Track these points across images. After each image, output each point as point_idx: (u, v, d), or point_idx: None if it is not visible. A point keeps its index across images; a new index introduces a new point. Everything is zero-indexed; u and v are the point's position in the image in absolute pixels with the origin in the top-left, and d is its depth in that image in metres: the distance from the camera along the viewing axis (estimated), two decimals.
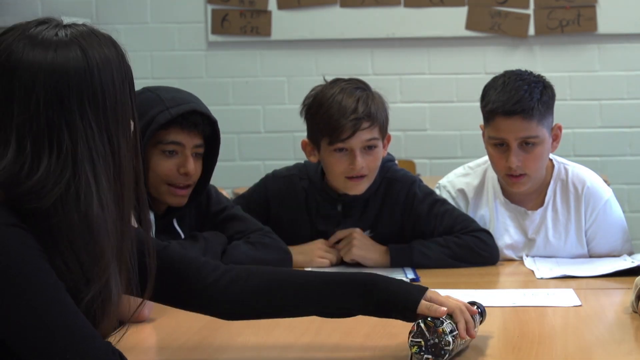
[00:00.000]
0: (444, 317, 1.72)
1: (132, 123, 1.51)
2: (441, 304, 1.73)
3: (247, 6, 5.11)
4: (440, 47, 5.09)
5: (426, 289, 1.77)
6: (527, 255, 2.74)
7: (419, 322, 1.72)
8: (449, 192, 2.83)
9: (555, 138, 2.71)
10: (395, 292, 1.75)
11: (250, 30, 5.13)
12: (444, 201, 2.79)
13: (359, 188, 2.68)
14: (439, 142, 5.10)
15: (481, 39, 5.04)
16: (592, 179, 2.80)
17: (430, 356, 1.71)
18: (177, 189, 2.37)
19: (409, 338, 1.72)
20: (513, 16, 5.00)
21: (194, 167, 2.35)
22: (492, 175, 2.80)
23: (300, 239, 2.72)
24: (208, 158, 2.44)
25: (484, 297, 2.25)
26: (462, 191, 2.82)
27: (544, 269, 2.57)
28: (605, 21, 4.98)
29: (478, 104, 2.76)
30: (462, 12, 5.04)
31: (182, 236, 2.45)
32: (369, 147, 2.64)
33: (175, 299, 1.78)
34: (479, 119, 2.77)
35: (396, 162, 2.89)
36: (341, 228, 2.74)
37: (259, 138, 5.13)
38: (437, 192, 2.85)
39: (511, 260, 2.77)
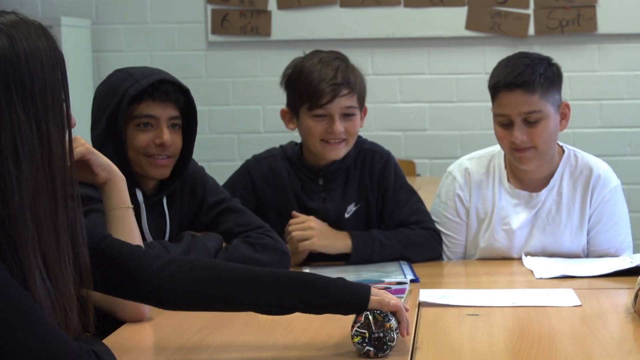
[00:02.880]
0: (389, 313, 1.74)
1: (64, 108, 1.49)
2: (389, 300, 1.76)
3: (247, 6, 5.11)
4: (440, 47, 5.09)
5: (369, 286, 1.78)
6: (526, 256, 2.74)
7: (367, 314, 1.73)
8: (454, 176, 2.84)
9: (564, 117, 2.74)
10: (340, 293, 1.76)
11: (250, 30, 5.13)
12: (412, 190, 2.84)
13: (338, 153, 2.72)
14: (438, 142, 5.09)
15: (481, 39, 5.04)
16: (601, 166, 2.82)
17: (371, 349, 1.73)
18: (156, 160, 2.37)
19: (352, 327, 1.74)
20: (513, 16, 5.00)
21: (169, 137, 2.35)
22: (498, 163, 2.82)
23: (289, 218, 2.73)
24: (188, 131, 2.44)
25: (484, 297, 2.25)
26: (467, 170, 2.84)
27: (543, 268, 2.57)
28: (605, 21, 4.99)
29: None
30: (462, 12, 5.04)
31: (168, 220, 2.45)
32: (347, 115, 2.69)
33: (119, 289, 1.78)
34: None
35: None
36: (327, 204, 2.77)
37: (259, 138, 5.13)
38: (445, 178, 2.87)
39: (509, 259, 2.77)
